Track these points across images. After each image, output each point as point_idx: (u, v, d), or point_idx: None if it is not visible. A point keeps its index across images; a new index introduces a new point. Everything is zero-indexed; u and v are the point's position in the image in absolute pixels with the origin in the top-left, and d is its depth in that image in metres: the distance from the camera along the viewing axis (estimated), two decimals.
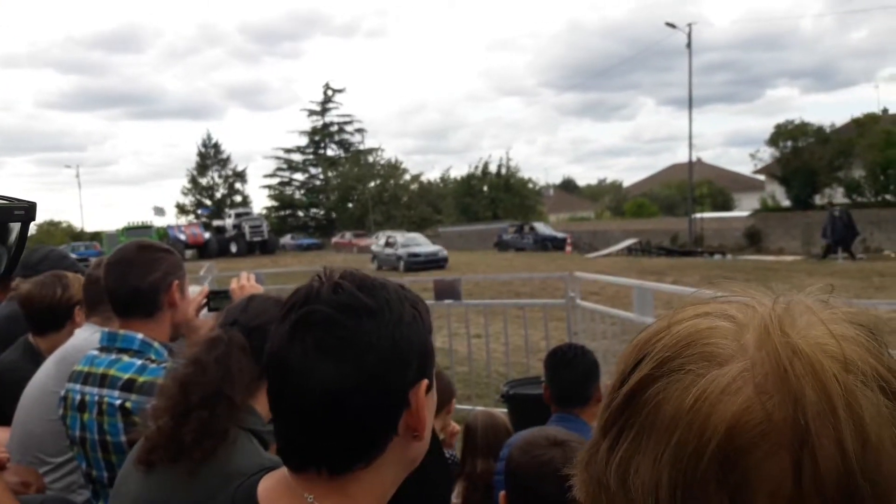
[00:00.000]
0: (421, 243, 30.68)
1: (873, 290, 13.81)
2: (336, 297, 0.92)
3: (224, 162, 58.56)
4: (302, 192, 60.01)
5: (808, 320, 0.49)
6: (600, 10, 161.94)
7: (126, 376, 1.74)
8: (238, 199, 58.32)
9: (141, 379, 1.73)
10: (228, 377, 1.36)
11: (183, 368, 1.39)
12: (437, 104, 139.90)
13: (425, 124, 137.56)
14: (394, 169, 54.67)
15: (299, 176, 60.53)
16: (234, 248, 41.38)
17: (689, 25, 32.16)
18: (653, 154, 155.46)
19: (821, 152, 31.82)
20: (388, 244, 30.78)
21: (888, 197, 28.90)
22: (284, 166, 60.16)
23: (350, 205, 54.06)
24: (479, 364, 6.90)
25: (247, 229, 42.40)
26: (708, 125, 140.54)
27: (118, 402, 1.71)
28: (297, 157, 60.23)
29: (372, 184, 52.53)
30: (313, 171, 60.15)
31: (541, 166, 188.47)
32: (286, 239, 48.75)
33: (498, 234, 37.27)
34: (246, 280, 2.13)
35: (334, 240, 45.86)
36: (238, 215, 45.75)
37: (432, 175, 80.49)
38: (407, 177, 54.70)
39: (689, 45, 32.13)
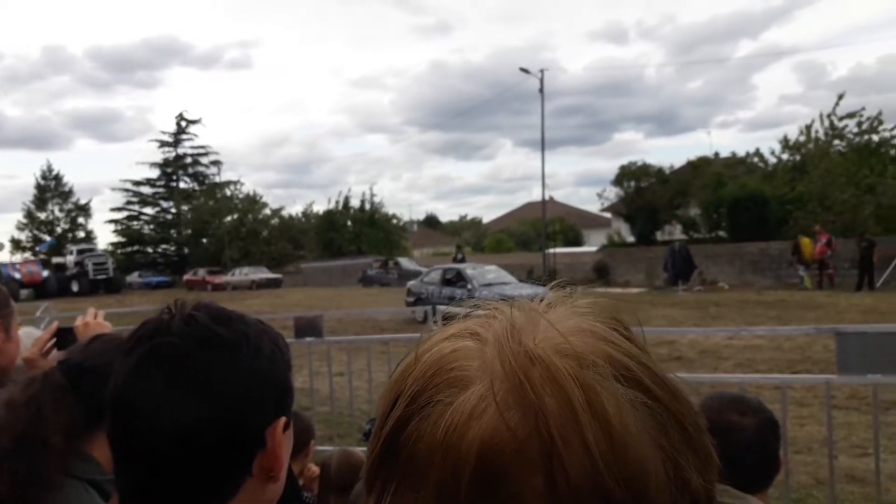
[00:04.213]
0: (508, 280, 19.74)
1: (710, 319, 14.93)
2: (188, 329, 0.85)
3: (66, 195, 54.71)
4: (152, 226, 56.92)
5: (544, 323, 0.46)
6: (461, 53, 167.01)
7: None
8: (81, 234, 54.56)
9: None
10: (39, 418, 1.23)
11: None
12: (301, 138, 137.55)
13: (288, 158, 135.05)
14: (253, 203, 53.10)
15: (149, 210, 57.41)
16: (75, 287, 38.56)
17: (542, 71, 33.86)
18: (510, 192, 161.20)
19: (661, 192, 34.44)
20: (446, 281, 19.40)
21: (720, 233, 31.56)
22: (134, 199, 56.88)
23: (204, 240, 51.69)
24: (341, 403, 6.75)
25: (90, 266, 39.69)
26: (560, 166, 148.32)
27: None
28: (147, 190, 57.17)
29: (229, 218, 50.66)
30: (165, 204, 57.25)
31: (405, 202, 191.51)
32: (133, 277, 46.00)
33: (363, 270, 37.06)
34: (92, 317, 1.93)
35: (186, 277, 43.70)
36: (80, 251, 42.59)
37: (294, 210, 79.21)
38: (267, 211, 53.35)
39: (541, 89, 33.78)
